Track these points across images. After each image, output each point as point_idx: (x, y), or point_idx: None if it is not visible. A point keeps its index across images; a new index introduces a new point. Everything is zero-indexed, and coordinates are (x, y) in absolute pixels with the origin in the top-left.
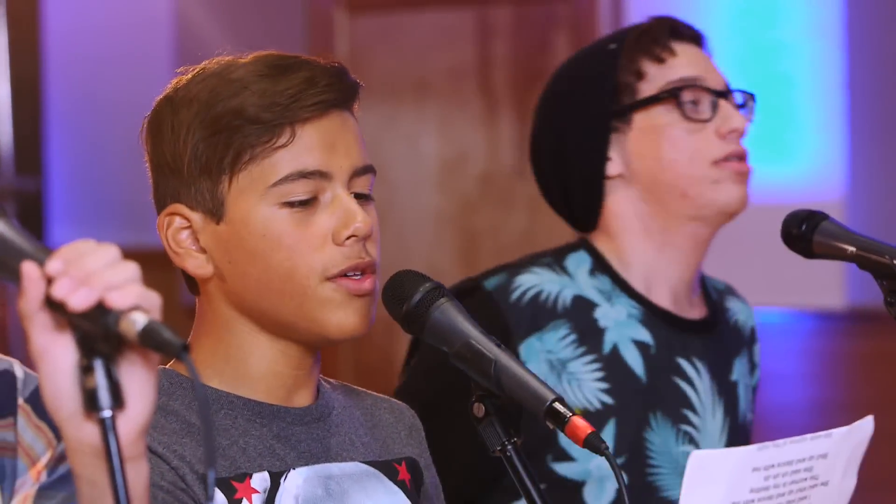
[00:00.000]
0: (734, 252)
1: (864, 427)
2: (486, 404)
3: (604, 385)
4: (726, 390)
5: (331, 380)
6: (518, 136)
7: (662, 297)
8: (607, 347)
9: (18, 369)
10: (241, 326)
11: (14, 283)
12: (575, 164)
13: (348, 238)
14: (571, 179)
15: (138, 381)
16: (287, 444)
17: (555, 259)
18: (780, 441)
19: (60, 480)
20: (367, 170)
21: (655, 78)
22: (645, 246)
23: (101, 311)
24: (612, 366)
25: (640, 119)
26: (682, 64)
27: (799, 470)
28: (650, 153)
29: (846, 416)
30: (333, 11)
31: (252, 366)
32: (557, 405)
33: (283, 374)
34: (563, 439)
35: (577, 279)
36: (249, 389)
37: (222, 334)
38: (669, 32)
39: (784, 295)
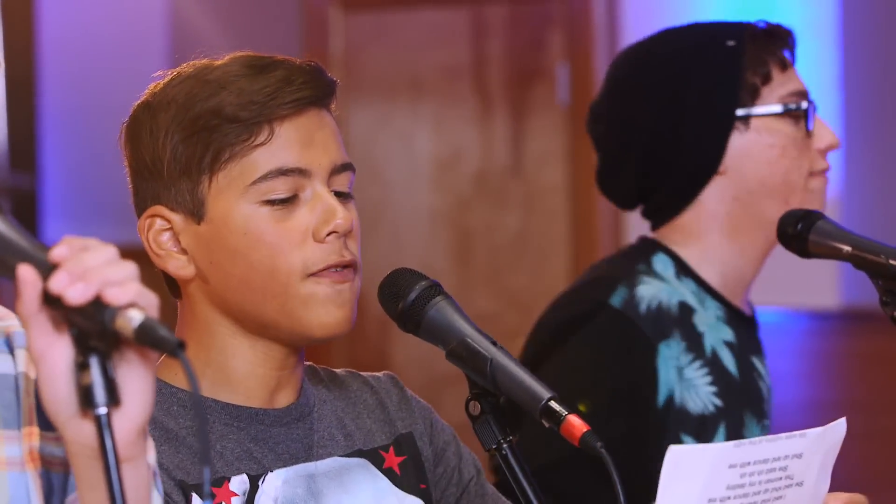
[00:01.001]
0: None
1: (838, 429)
2: (481, 403)
3: (713, 388)
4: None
5: (320, 369)
6: (512, 134)
7: (735, 296)
8: (708, 351)
9: None
10: (222, 329)
11: (10, 280)
12: (687, 156)
13: (329, 234)
14: (672, 170)
15: (135, 380)
16: (265, 447)
17: (646, 265)
18: (756, 439)
19: None
20: (346, 167)
21: (778, 84)
22: (728, 245)
23: (97, 307)
24: (715, 369)
25: (759, 122)
26: (797, 76)
27: (774, 469)
28: (763, 157)
29: (840, 416)
30: (328, 9)
31: (233, 368)
32: (553, 404)
33: (265, 376)
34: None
35: (673, 284)
36: (229, 393)
37: (203, 337)
38: (785, 35)
39: (778, 294)
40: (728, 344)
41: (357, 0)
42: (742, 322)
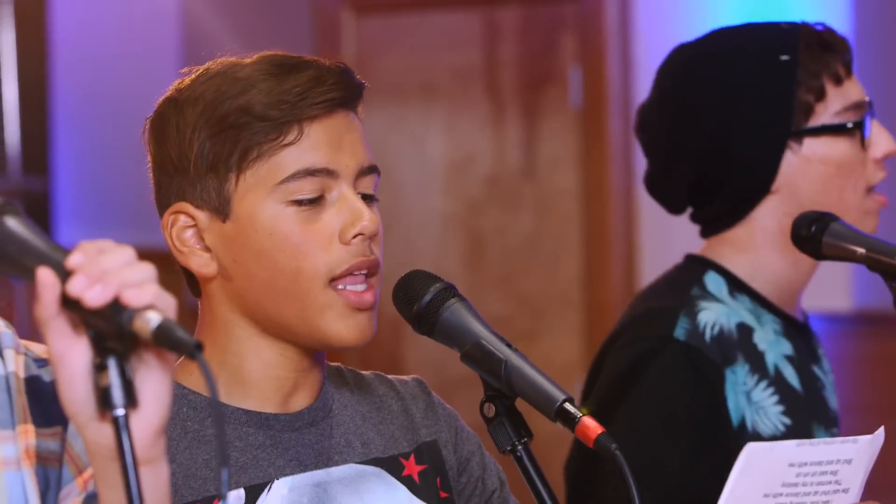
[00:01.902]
0: None
1: (879, 438)
2: (496, 405)
3: (781, 408)
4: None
5: (346, 371)
6: (524, 137)
7: (789, 306)
8: (771, 369)
9: None
10: (240, 330)
11: (27, 281)
12: (738, 176)
13: (355, 237)
14: (724, 188)
15: (153, 382)
16: (273, 453)
17: (699, 288)
18: (816, 440)
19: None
20: (372, 170)
21: (833, 100)
22: (781, 258)
23: (115, 309)
24: (780, 387)
25: (813, 141)
26: (854, 85)
27: (826, 472)
28: (818, 176)
29: (853, 419)
30: (340, 12)
31: (248, 371)
32: (567, 406)
33: (281, 378)
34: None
35: (729, 304)
36: (241, 396)
37: (220, 338)
38: (840, 46)
39: None
40: (789, 358)
41: (369, 3)
42: (798, 332)
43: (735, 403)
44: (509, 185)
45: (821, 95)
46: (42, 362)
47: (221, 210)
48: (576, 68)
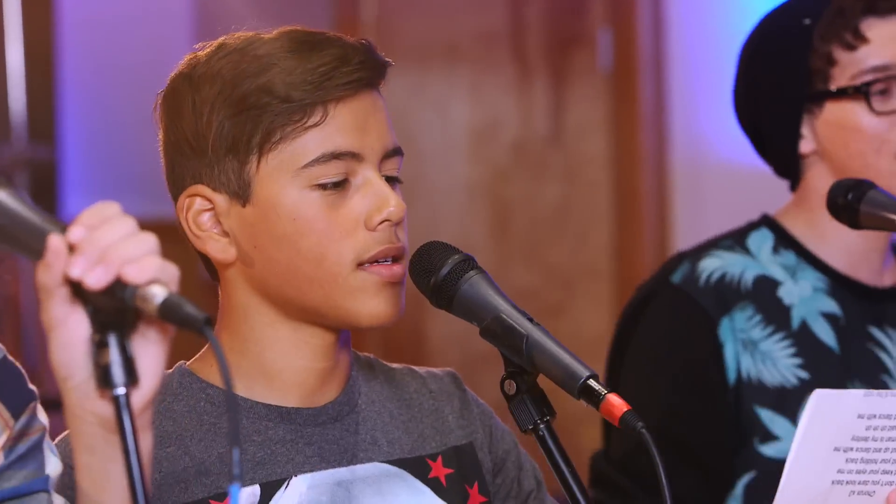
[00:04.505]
0: None
1: None
2: (517, 381)
3: (798, 360)
4: None
5: (376, 363)
6: (552, 102)
7: (856, 268)
8: (796, 323)
9: None
10: (261, 317)
11: (23, 256)
12: (769, 140)
13: (381, 223)
14: (768, 153)
15: (150, 355)
16: (293, 448)
17: (735, 240)
18: (885, 392)
19: (20, 459)
20: (397, 152)
21: (846, 66)
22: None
23: (117, 286)
24: (804, 341)
25: (831, 107)
26: (873, 51)
27: None
28: (839, 141)
29: None
30: None
31: (270, 360)
32: (592, 382)
33: (305, 370)
34: (767, 419)
35: (760, 258)
36: (263, 389)
37: (241, 326)
38: (865, 9)
39: None
40: (827, 315)
41: None
42: (862, 294)
43: (733, 351)
44: (536, 152)
45: (832, 61)
46: None
47: (241, 194)
48: (605, 29)
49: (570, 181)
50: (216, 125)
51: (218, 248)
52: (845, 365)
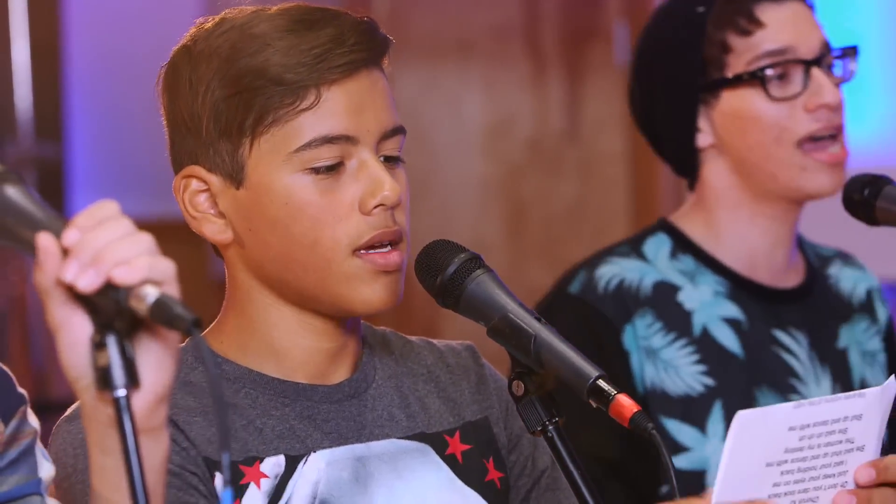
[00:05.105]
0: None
1: (890, 388)
2: (525, 382)
3: (702, 367)
4: (832, 357)
5: (393, 337)
6: (567, 97)
7: (757, 269)
8: (697, 330)
9: None
10: (262, 297)
11: (28, 255)
12: (666, 136)
13: (376, 207)
14: (664, 149)
15: (155, 356)
16: (312, 425)
17: (631, 247)
18: (816, 399)
19: (12, 464)
20: (397, 131)
21: (741, 52)
22: (737, 217)
23: (111, 288)
24: (707, 347)
25: (727, 96)
26: (768, 35)
27: (834, 431)
28: (737, 132)
29: None
30: None
31: (276, 339)
32: (601, 382)
33: (311, 348)
34: (674, 429)
35: (657, 264)
36: (275, 366)
37: (245, 305)
38: None
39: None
40: (729, 320)
41: None
42: (764, 296)
43: (638, 359)
44: (552, 148)
45: (726, 49)
46: None
47: (235, 176)
48: (621, 23)
49: (586, 178)
50: (210, 106)
51: (214, 230)
52: (751, 371)
